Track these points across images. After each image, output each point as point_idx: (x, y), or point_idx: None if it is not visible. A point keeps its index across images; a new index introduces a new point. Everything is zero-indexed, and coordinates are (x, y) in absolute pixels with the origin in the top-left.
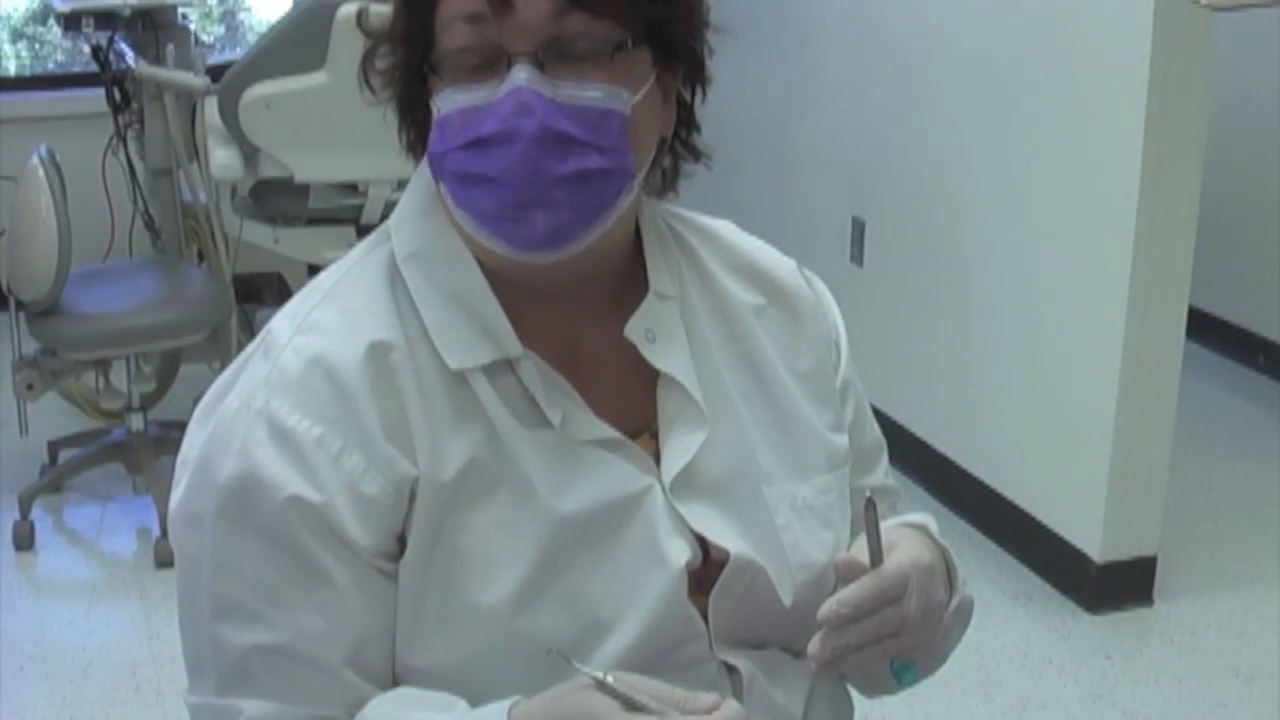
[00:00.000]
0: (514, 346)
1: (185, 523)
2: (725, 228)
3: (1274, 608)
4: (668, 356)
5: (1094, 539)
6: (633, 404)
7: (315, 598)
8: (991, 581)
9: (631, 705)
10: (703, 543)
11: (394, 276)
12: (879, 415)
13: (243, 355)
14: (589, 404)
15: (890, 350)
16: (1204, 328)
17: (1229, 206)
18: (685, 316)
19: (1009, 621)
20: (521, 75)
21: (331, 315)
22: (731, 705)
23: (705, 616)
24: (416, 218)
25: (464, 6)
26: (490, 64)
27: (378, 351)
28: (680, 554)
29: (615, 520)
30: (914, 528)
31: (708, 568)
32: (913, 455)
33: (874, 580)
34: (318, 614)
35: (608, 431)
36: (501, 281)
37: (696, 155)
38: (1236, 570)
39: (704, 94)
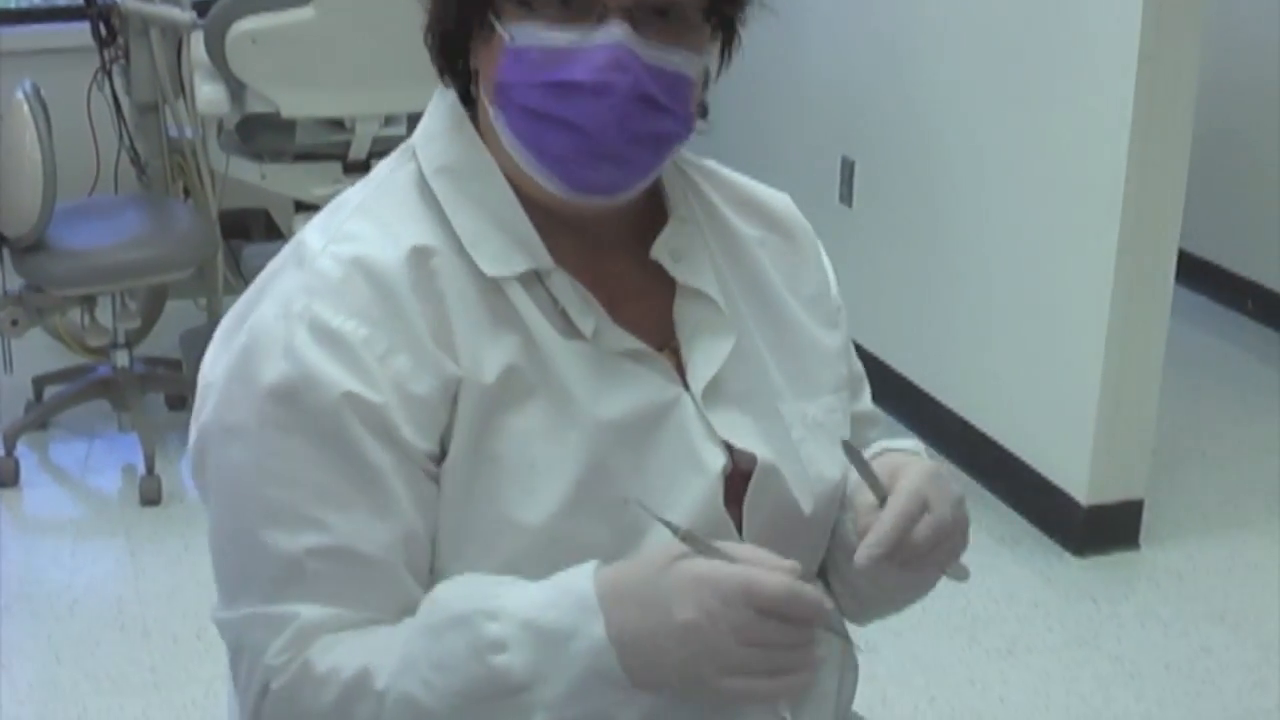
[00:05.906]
0: (546, 259)
1: (223, 435)
2: (715, 165)
3: (1260, 552)
4: (694, 273)
5: (1081, 482)
6: (652, 322)
7: (372, 497)
8: (978, 524)
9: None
10: (729, 456)
11: (423, 191)
12: (867, 356)
13: (264, 274)
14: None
15: (879, 291)
16: (1194, 272)
17: (1220, 150)
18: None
19: (995, 565)
20: (619, 31)
21: (366, 225)
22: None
23: (739, 531)
24: (443, 134)
25: None
26: (583, 7)
27: (420, 255)
28: (716, 459)
29: (651, 427)
30: (907, 454)
31: (735, 479)
32: (900, 397)
33: (891, 510)
34: (375, 514)
35: (636, 343)
36: (528, 202)
37: (704, 112)
38: (1223, 515)
39: (729, 63)
